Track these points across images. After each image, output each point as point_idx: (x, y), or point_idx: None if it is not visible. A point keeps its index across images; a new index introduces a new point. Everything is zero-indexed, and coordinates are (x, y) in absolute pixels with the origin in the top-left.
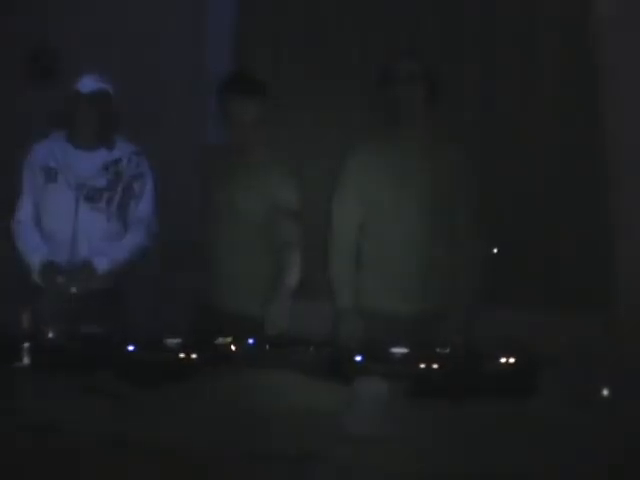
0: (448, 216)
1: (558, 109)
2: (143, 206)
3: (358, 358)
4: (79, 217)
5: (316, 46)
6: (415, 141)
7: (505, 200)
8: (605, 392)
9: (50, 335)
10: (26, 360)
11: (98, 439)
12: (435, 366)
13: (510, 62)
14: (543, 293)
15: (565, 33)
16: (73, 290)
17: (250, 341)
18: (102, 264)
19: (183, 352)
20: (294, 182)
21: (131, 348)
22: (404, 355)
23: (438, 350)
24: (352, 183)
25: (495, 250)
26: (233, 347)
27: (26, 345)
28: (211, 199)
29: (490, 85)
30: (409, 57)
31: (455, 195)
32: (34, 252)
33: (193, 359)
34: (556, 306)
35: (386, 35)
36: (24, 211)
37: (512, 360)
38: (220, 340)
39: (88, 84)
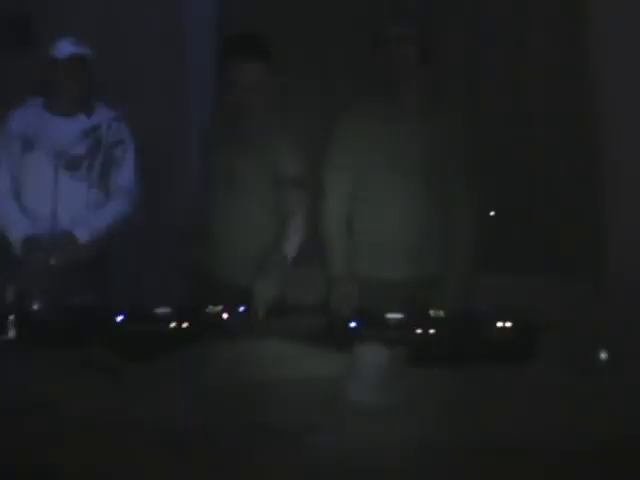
0: (442, 182)
1: (551, 74)
2: (124, 173)
3: (353, 324)
4: (58, 186)
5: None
6: (406, 107)
7: (499, 166)
8: (603, 357)
9: (35, 308)
10: (11, 334)
11: (92, 415)
12: (432, 331)
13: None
14: (533, 260)
15: None
16: (53, 262)
17: (241, 309)
18: (83, 234)
19: (174, 321)
20: (297, 147)
21: (120, 318)
22: (400, 321)
23: (433, 315)
24: (342, 150)
25: (492, 213)
26: (225, 315)
27: (11, 318)
28: (209, 166)
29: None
30: (399, 21)
31: (449, 161)
32: (13, 226)
33: (184, 328)
34: (546, 273)
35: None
36: (1, 182)
37: (509, 325)
38: (211, 309)
39: (64, 49)
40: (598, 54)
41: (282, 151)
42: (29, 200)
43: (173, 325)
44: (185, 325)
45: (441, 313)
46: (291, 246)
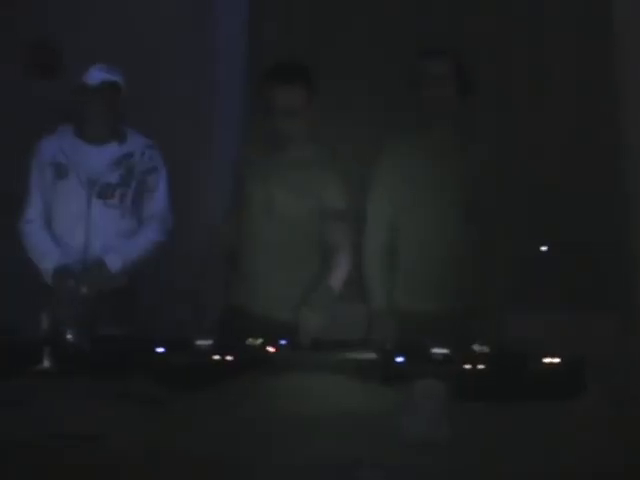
0: (480, 216)
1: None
2: (157, 201)
3: (399, 359)
4: (91, 214)
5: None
6: (446, 141)
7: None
8: None
9: (70, 338)
10: (46, 363)
11: (134, 446)
12: (480, 367)
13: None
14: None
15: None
16: (85, 290)
17: (283, 342)
18: (115, 262)
19: (217, 354)
20: (342, 180)
21: (160, 350)
22: (445, 356)
23: (478, 350)
24: (384, 183)
25: (544, 248)
26: (271, 349)
27: (47, 349)
28: (248, 198)
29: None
30: (439, 56)
31: (486, 194)
32: (45, 255)
33: (228, 361)
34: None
35: (416, 33)
36: (33, 209)
37: (556, 360)
38: (251, 341)
39: (95, 76)
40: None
41: (327, 183)
42: (61, 228)
43: (216, 358)
44: (229, 358)
45: (485, 348)
46: (336, 279)
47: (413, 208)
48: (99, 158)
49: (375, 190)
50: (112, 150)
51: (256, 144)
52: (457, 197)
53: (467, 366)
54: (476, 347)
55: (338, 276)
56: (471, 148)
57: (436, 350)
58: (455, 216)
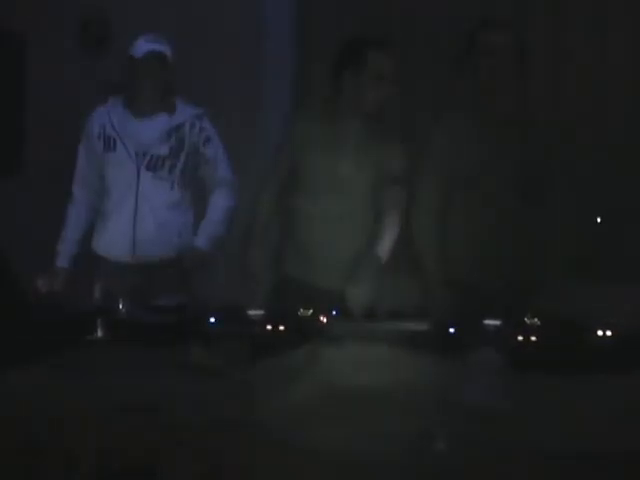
0: (536, 189)
1: None
2: (221, 168)
3: (451, 330)
4: (141, 186)
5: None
6: (502, 113)
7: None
8: None
9: (125, 308)
10: (101, 333)
11: (198, 418)
12: (533, 338)
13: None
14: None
15: None
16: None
17: (334, 312)
18: (205, 244)
19: (269, 324)
20: (401, 146)
21: (212, 320)
22: (497, 327)
23: (529, 323)
24: (437, 152)
25: (599, 220)
26: (323, 318)
27: (102, 319)
28: (307, 165)
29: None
30: (499, 26)
31: (541, 170)
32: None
33: (280, 331)
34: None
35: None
36: (79, 184)
37: (609, 333)
38: (302, 312)
39: (142, 47)
40: None
41: (387, 150)
42: (111, 200)
43: (269, 328)
44: (281, 328)
45: (536, 320)
46: (385, 246)
47: (466, 179)
48: (148, 130)
49: (428, 159)
50: (161, 122)
51: (312, 113)
52: (513, 170)
53: (519, 338)
54: (527, 319)
55: (386, 243)
56: (530, 123)
57: (488, 322)
58: (509, 189)
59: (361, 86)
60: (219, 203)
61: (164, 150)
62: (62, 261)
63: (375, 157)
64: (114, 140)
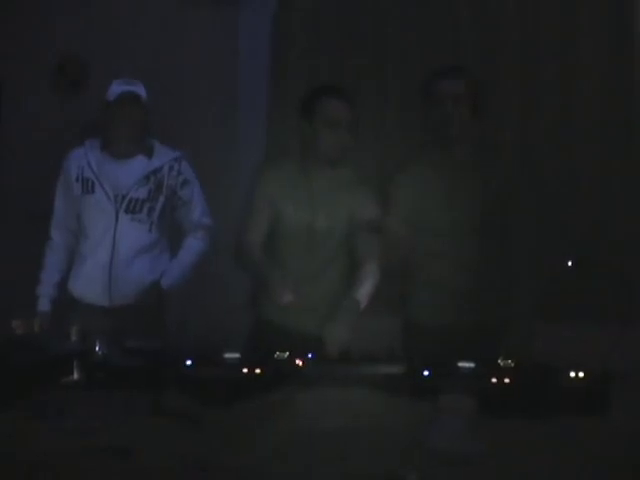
0: (500, 232)
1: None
2: (197, 211)
3: (425, 373)
4: (118, 228)
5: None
6: (460, 158)
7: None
8: None
9: (100, 351)
10: (76, 375)
11: (169, 461)
12: (506, 380)
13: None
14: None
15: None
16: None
17: (310, 355)
18: (169, 283)
19: (245, 367)
20: (373, 194)
21: (188, 363)
22: (471, 370)
23: (503, 365)
24: (399, 200)
25: (569, 263)
26: (299, 362)
27: (77, 361)
28: (281, 214)
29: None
30: (454, 74)
31: (504, 211)
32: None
33: (257, 374)
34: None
35: (428, 51)
36: (56, 225)
37: (581, 374)
38: (279, 355)
39: (116, 90)
40: None
41: (360, 198)
42: (88, 242)
43: (245, 371)
44: (258, 371)
45: (510, 362)
46: (363, 292)
47: (429, 226)
48: (126, 173)
49: (395, 203)
50: (140, 164)
51: (283, 163)
52: (473, 214)
53: (493, 380)
54: (501, 361)
55: (365, 289)
56: (489, 165)
57: (462, 364)
58: (476, 231)
59: (315, 133)
60: (191, 246)
61: (143, 193)
62: (43, 305)
63: (347, 205)
64: (92, 182)
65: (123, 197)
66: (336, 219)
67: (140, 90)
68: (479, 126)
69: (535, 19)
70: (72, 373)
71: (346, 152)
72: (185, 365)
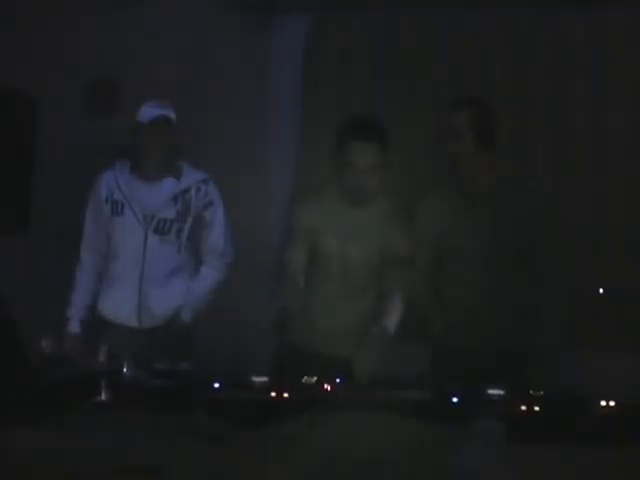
0: (533, 262)
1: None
2: (216, 235)
3: (455, 399)
4: (148, 249)
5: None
6: (479, 189)
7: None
8: None
9: (129, 372)
10: (104, 396)
11: None
12: (536, 409)
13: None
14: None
15: None
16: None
17: (338, 380)
18: (188, 314)
19: (274, 391)
20: (406, 229)
21: (216, 386)
22: (500, 397)
23: (533, 393)
24: (423, 230)
25: (601, 291)
26: (327, 387)
27: (106, 382)
28: (314, 244)
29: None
30: (458, 107)
31: (529, 241)
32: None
33: (285, 398)
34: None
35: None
36: (86, 246)
37: (612, 404)
38: (307, 379)
39: (147, 113)
40: None
41: (393, 232)
42: (118, 264)
43: (273, 395)
44: (285, 395)
45: (540, 392)
46: (391, 322)
47: (452, 254)
48: (155, 194)
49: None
50: (168, 186)
51: (317, 194)
52: (496, 244)
53: (522, 408)
54: (531, 390)
55: (393, 319)
56: (511, 196)
57: (491, 391)
58: (507, 262)
59: (344, 175)
60: (207, 275)
61: (171, 214)
62: (74, 327)
63: (380, 237)
64: (122, 204)
65: (152, 218)
66: (369, 250)
67: (170, 113)
68: (492, 156)
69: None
70: (100, 393)
71: (371, 196)
72: (213, 387)
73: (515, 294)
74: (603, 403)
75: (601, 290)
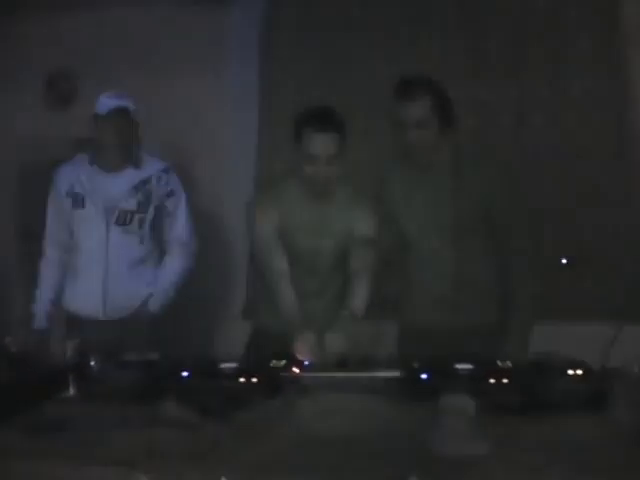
0: (499, 232)
1: None
2: (178, 224)
3: (424, 376)
4: (110, 241)
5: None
6: (435, 164)
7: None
8: None
9: (97, 365)
10: (72, 390)
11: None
12: (505, 381)
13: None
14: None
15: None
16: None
17: (306, 363)
18: (156, 305)
19: (243, 376)
20: (369, 210)
21: (185, 374)
22: (469, 371)
23: (501, 365)
24: (389, 200)
25: (564, 261)
26: (296, 369)
27: (74, 376)
28: (283, 236)
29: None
30: (415, 95)
31: (486, 212)
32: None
33: (254, 383)
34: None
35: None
36: (49, 241)
37: (580, 372)
38: (275, 363)
39: (106, 103)
40: None
41: (356, 215)
42: (81, 256)
43: (242, 380)
44: (254, 380)
45: (508, 363)
46: (359, 304)
47: (412, 226)
48: (116, 185)
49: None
50: (129, 176)
51: (281, 180)
52: (454, 215)
53: (491, 381)
54: (499, 362)
55: (361, 301)
56: (466, 166)
57: (460, 366)
58: (468, 232)
59: (300, 163)
60: (172, 264)
61: (132, 204)
62: (39, 322)
63: (344, 222)
64: (82, 197)
65: (113, 209)
66: (337, 239)
67: (128, 103)
68: (449, 137)
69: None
70: (68, 388)
71: (329, 184)
72: (181, 376)
73: (484, 268)
74: (571, 372)
75: (564, 260)
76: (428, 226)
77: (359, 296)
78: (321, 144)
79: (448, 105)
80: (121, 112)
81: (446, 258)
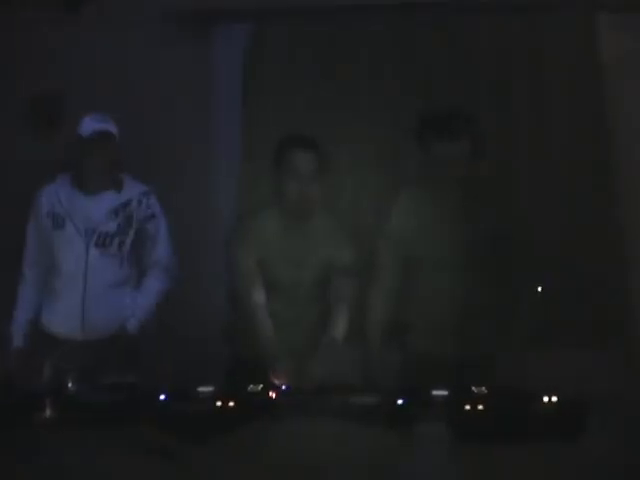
0: (496, 263)
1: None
2: (159, 247)
3: (400, 402)
4: (89, 263)
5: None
6: (456, 191)
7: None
8: None
9: (74, 387)
10: (49, 413)
11: None
12: (480, 407)
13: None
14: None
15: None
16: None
17: (284, 388)
18: (134, 325)
19: (219, 400)
20: (350, 239)
21: (162, 397)
22: (445, 398)
23: (476, 391)
24: (396, 231)
25: (539, 289)
26: (272, 394)
27: (50, 399)
28: (263, 265)
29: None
30: (452, 136)
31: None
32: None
33: (230, 407)
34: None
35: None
36: (28, 261)
37: (555, 399)
38: (252, 387)
39: (88, 126)
40: None
41: (336, 243)
42: (60, 277)
43: (219, 404)
44: (231, 404)
45: (483, 389)
46: (340, 331)
47: (422, 254)
48: (96, 207)
49: (390, 235)
50: (109, 199)
51: (261, 211)
52: (468, 245)
53: (467, 407)
54: (475, 388)
55: (341, 328)
56: (484, 196)
57: (436, 392)
58: (464, 264)
59: (286, 185)
60: (151, 286)
61: (112, 227)
62: (17, 341)
63: (324, 251)
64: (63, 218)
65: (93, 231)
66: (315, 267)
67: (111, 127)
68: (475, 170)
69: None
70: (45, 410)
71: (312, 203)
72: (159, 400)
73: (468, 297)
74: (546, 399)
75: (539, 288)
76: (443, 255)
77: (339, 325)
78: (302, 159)
79: (484, 143)
80: (104, 135)
81: (455, 288)
